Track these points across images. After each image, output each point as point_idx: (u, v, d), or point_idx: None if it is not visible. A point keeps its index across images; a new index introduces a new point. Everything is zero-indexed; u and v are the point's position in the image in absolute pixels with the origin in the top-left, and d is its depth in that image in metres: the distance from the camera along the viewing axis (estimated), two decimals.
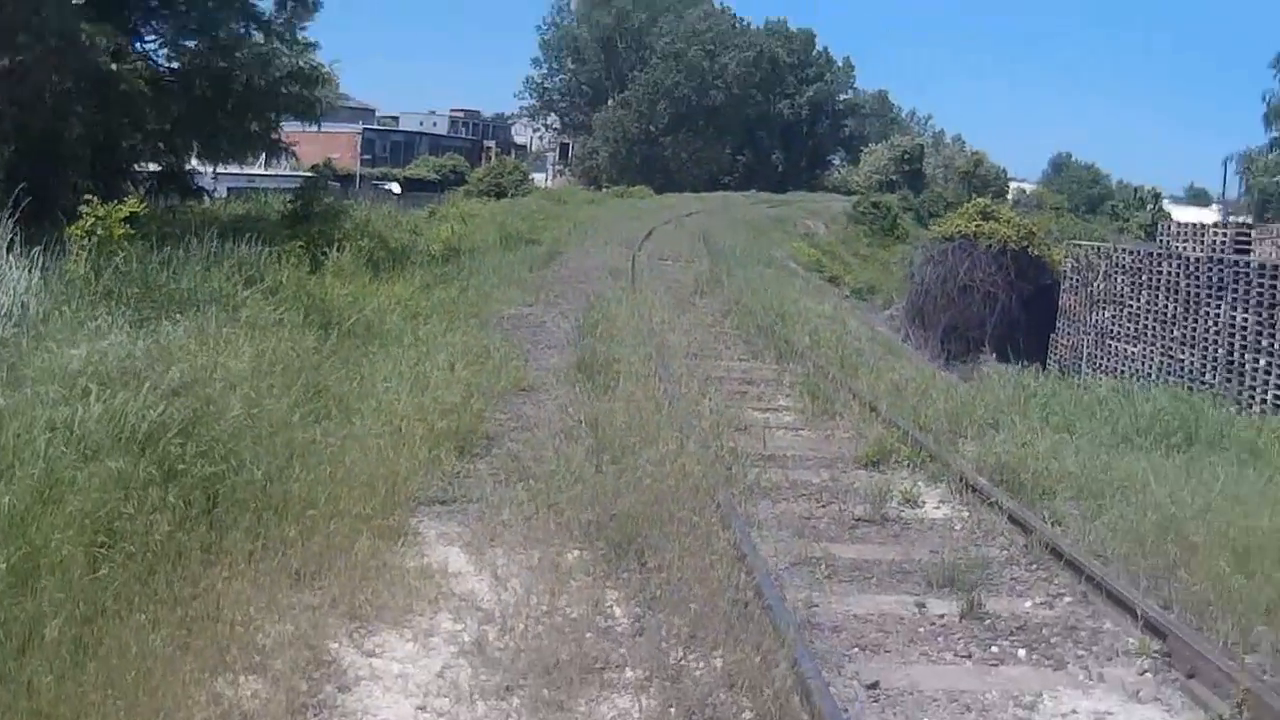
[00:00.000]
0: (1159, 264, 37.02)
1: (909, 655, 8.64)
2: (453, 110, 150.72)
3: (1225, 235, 38.42)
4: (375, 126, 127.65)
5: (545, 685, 7.49)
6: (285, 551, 8.82)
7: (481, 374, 15.87)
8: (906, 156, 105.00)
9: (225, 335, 13.75)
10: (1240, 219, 59.24)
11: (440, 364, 15.47)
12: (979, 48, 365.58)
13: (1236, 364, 32.14)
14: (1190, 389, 25.89)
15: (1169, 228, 43.36)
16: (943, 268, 48.11)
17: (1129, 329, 38.12)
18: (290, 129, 28.62)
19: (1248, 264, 33.01)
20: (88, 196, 17.49)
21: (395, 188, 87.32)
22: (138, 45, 24.69)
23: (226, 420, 10.51)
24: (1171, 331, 35.58)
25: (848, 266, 60.70)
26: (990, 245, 48.07)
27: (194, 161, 27.91)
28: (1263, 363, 31.03)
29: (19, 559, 7.35)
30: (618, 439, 12.63)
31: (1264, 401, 29.87)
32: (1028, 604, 9.76)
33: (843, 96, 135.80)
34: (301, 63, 25.57)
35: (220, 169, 30.35)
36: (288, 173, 34.30)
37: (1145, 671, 8.51)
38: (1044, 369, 26.83)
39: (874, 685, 8.02)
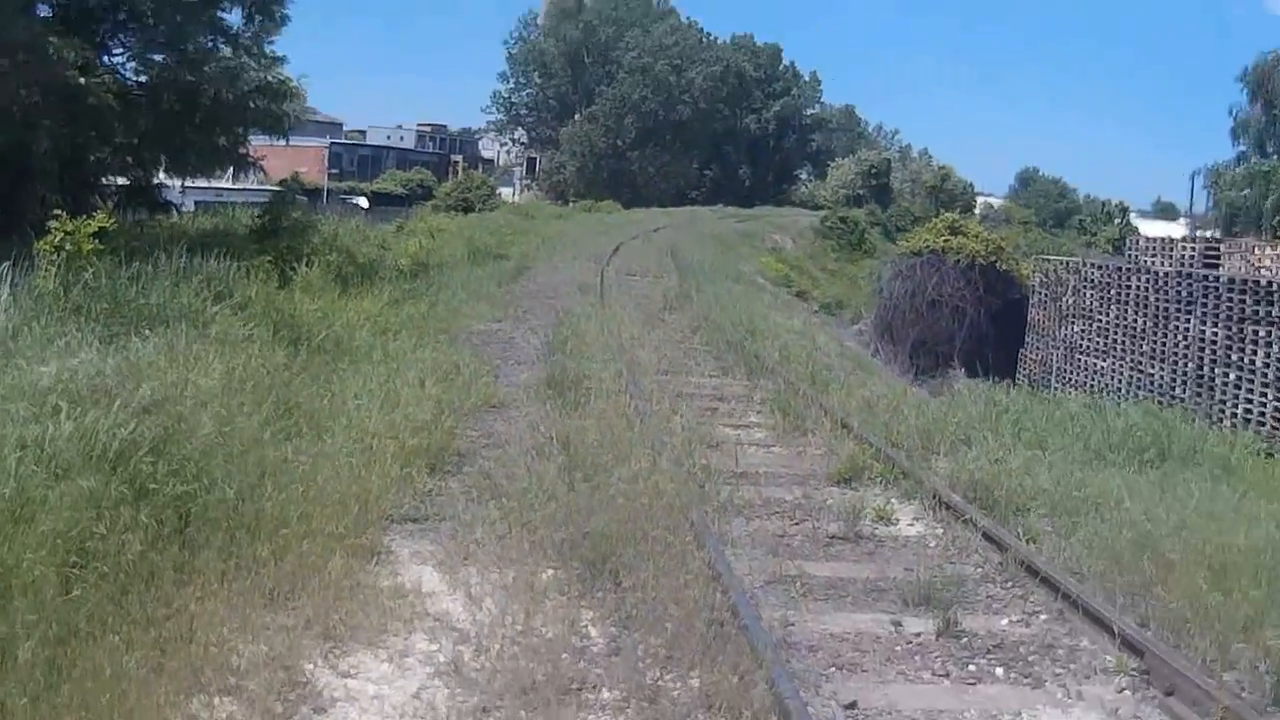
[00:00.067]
0: (1128, 278, 37.12)
1: (886, 674, 8.61)
2: (420, 124, 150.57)
3: (1194, 249, 38.57)
4: (342, 140, 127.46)
5: (522, 706, 7.44)
6: (258, 571, 8.76)
7: (451, 390, 15.82)
8: (873, 171, 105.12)
9: (195, 352, 13.67)
10: (1208, 233, 59.46)
11: (410, 380, 15.39)
12: (946, 62, 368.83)
13: (1206, 378, 32.21)
14: (1160, 403, 26.02)
15: (1137, 242, 43.48)
16: (911, 283, 48.23)
17: (1098, 343, 38.23)
18: (258, 143, 28.52)
19: (1217, 278, 33.08)
20: (56, 211, 17.37)
21: (363, 202, 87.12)
22: (105, 59, 24.53)
23: (198, 438, 10.43)
24: (1141, 346, 35.67)
25: (816, 281, 60.79)
26: (959, 260, 48.24)
27: (162, 175, 27.81)
28: (1232, 377, 31.10)
29: None
30: (590, 456, 12.58)
31: (1234, 416, 29.91)
32: (1004, 622, 9.75)
33: (809, 111, 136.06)
34: (269, 77, 25.45)
35: (188, 183, 30.28)
36: (256, 186, 34.18)
37: (1124, 689, 8.51)
38: (1013, 384, 26.86)
39: (852, 705, 7.99)
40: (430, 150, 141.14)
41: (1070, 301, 40.06)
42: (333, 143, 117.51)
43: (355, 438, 12.26)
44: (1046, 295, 42.02)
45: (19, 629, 6.98)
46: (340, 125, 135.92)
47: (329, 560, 9.12)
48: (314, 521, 9.67)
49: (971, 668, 8.79)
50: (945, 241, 49.54)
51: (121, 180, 27.06)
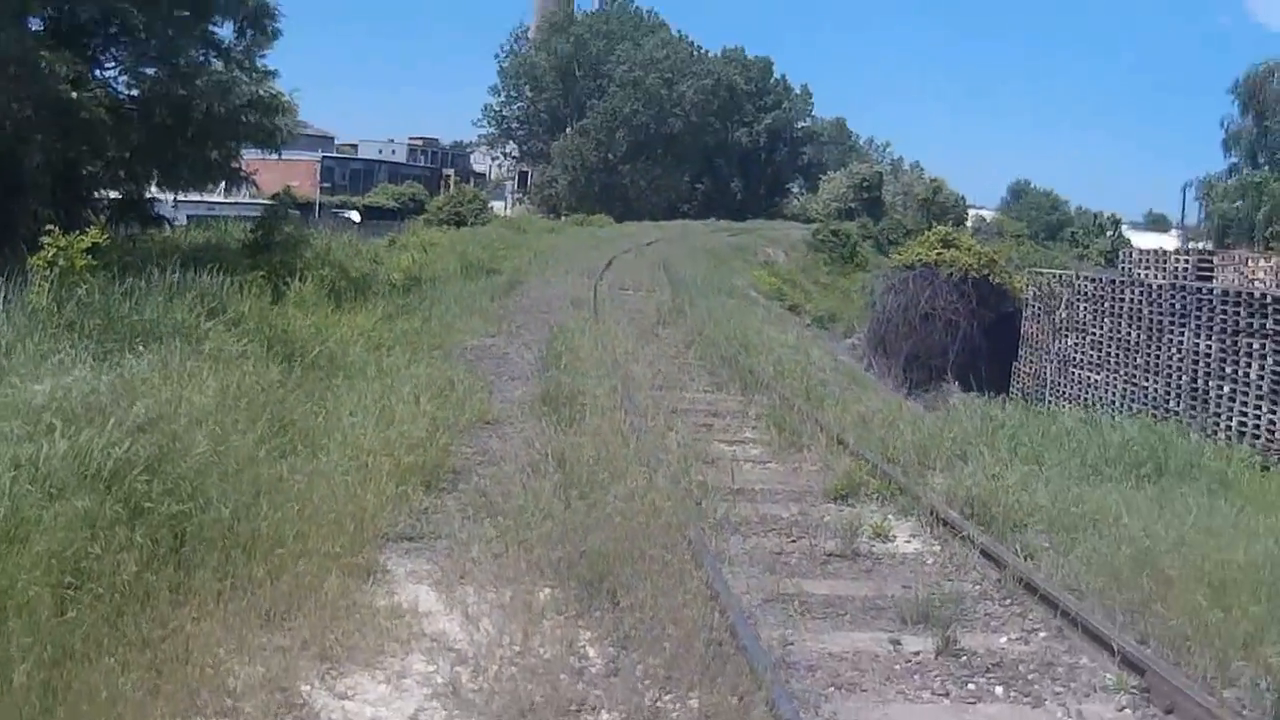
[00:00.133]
0: (1122, 291, 37.08)
1: (886, 694, 8.58)
2: (411, 138, 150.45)
3: (1187, 261, 38.57)
4: (334, 154, 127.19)
5: None
6: (254, 591, 8.74)
7: (446, 407, 15.80)
8: (865, 184, 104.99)
9: (189, 369, 13.63)
10: (1200, 245, 59.53)
11: (405, 397, 15.36)
12: (937, 75, 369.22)
13: (1201, 391, 32.17)
14: (1155, 417, 25.95)
15: (1130, 254, 43.50)
16: (904, 296, 48.12)
17: (1092, 356, 38.18)
18: (250, 156, 28.46)
19: (1211, 290, 33.05)
20: (49, 226, 17.31)
21: (355, 216, 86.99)
22: (97, 73, 24.50)
23: (192, 457, 10.40)
24: (1135, 359, 35.63)
25: (808, 295, 60.66)
26: (951, 273, 48.14)
27: (154, 189, 27.71)
28: (1227, 390, 31.06)
29: None
30: (585, 473, 12.57)
31: (1229, 429, 29.89)
32: (1003, 640, 9.72)
33: (801, 124, 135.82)
34: (261, 91, 25.38)
35: (180, 197, 30.13)
36: (248, 200, 34.08)
37: (1124, 708, 8.49)
38: (1007, 397, 26.81)
39: None
40: (422, 164, 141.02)
41: (1064, 315, 40.03)
42: (324, 156, 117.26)
43: (350, 455, 12.23)
44: (1040, 308, 41.97)
45: (14, 651, 6.94)
46: (332, 139, 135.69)
47: (325, 580, 9.09)
48: (310, 541, 9.65)
49: (971, 686, 8.76)
50: (938, 255, 49.48)
51: (114, 194, 26.97)
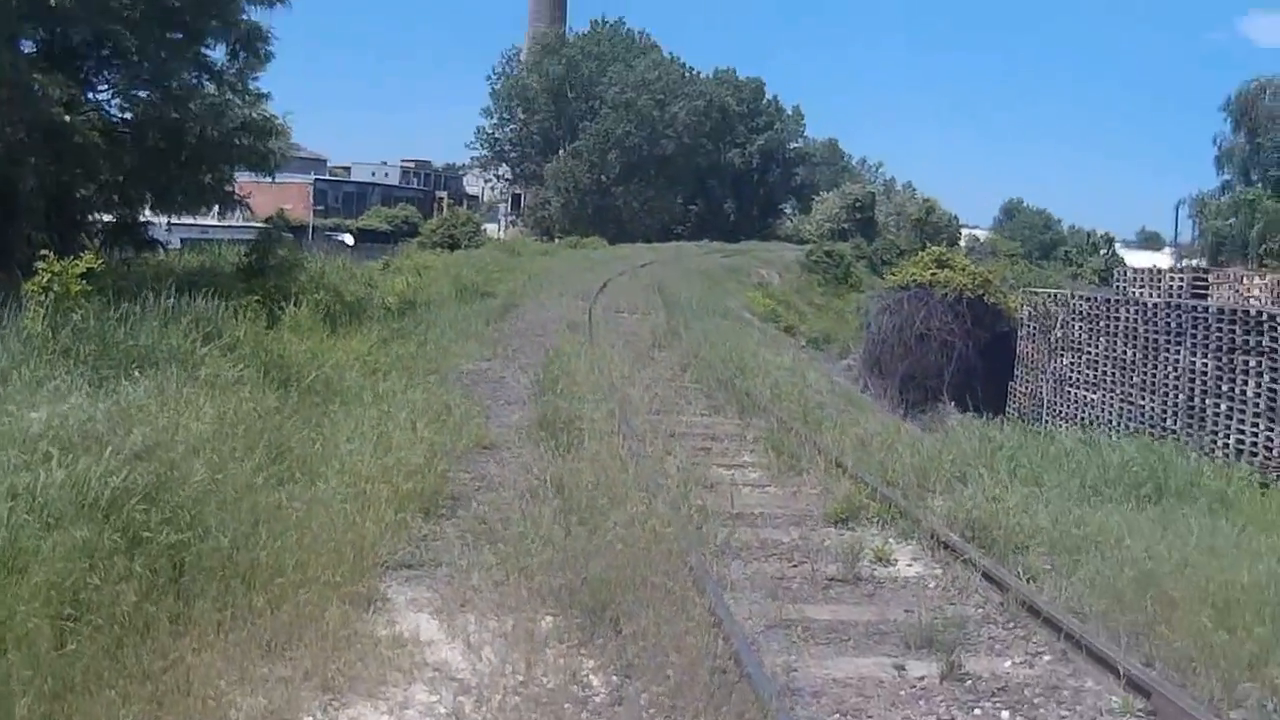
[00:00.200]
0: (1117, 310, 37.12)
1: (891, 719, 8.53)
2: (404, 161, 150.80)
3: (1182, 280, 38.61)
4: (327, 177, 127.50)
5: None
6: (255, 621, 8.69)
7: (443, 432, 15.73)
8: (858, 204, 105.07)
9: (186, 395, 13.61)
10: (1194, 262, 59.62)
11: (402, 423, 15.32)
12: (928, 94, 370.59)
13: (1197, 410, 32.20)
14: (1151, 435, 25.92)
15: (1125, 273, 43.62)
16: (899, 316, 48.12)
17: (1088, 376, 38.20)
18: (243, 178, 28.49)
19: (1206, 308, 33.09)
20: (43, 251, 17.27)
21: (348, 239, 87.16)
22: (90, 95, 24.55)
23: (190, 485, 10.35)
24: (1131, 378, 35.65)
25: (803, 316, 60.74)
26: (946, 293, 48.14)
27: (148, 213, 27.71)
28: (1224, 408, 31.09)
29: None
30: (585, 499, 12.52)
31: (1226, 447, 29.88)
32: (1008, 664, 9.68)
33: (793, 145, 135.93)
34: (254, 114, 25.44)
35: (174, 220, 30.13)
36: (241, 223, 34.09)
37: None
38: (1003, 417, 26.78)
39: None
40: (415, 186, 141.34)
41: (1059, 334, 40.03)
42: (317, 179, 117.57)
43: (349, 482, 12.18)
44: (1035, 328, 42.00)
45: (14, 685, 6.89)
46: (324, 161, 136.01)
47: (326, 609, 9.04)
48: (310, 569, 9.60)
49: (977, 711, 8.72)
50: (932, 275, 49.51)
51: (107, 217, 26.96)
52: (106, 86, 25.41)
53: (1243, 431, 30.14)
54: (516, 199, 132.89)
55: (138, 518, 9.31)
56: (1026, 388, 42.16)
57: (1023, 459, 16.63)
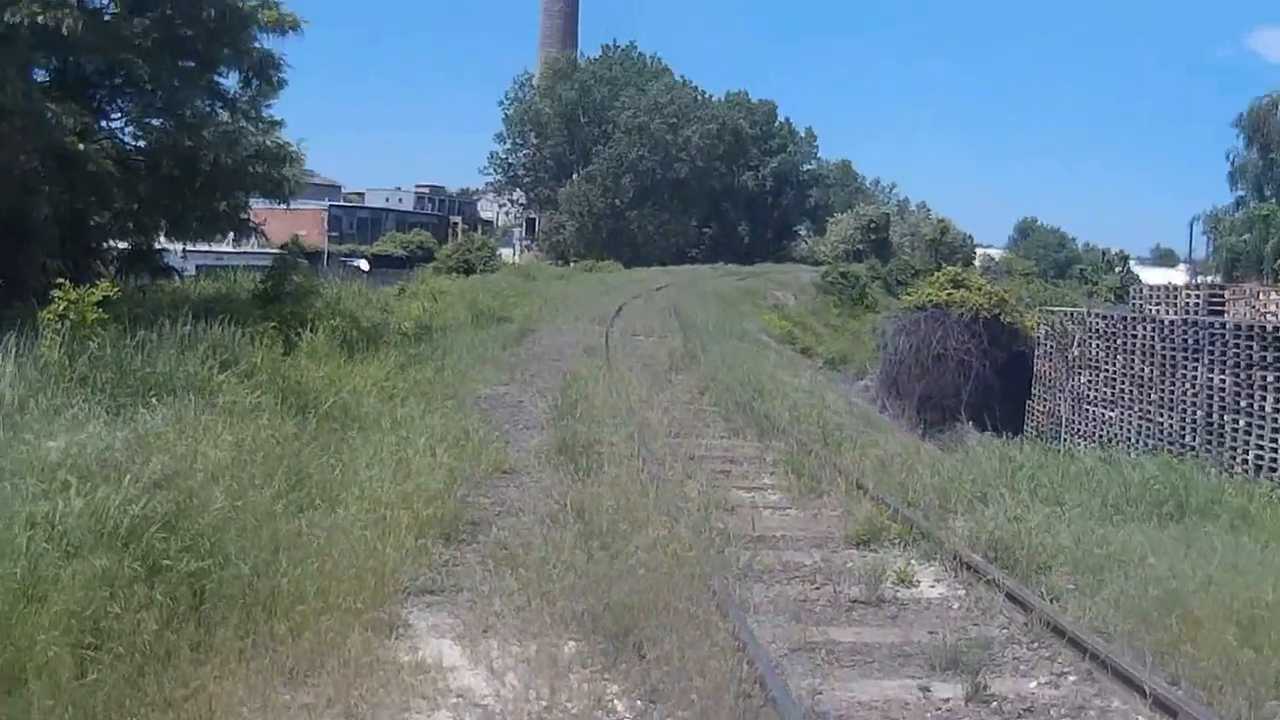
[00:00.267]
0: (1134, 327, 36.98)
1: None
2: (418, 186, 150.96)
3: (1198, 296, 38.49)
4: (341, 203, 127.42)
5: None
6: (276, 649, 8.65)
7: (462, 458, 15.72)
8: (872, 225, 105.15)
9: (204, 422, 13.58)
10: (1209, 279, 59.48)
11: (421, 448, 15.27)
12: (941, 114, 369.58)
13: (1216, 426, 32.04)
14: (1170, 452, 25.83)
15: (1141, 290, 43.48)
16: (915, 337, 48.00)
17: (1106, 394, 38.04)
18: (257, 205, 28.53)
19: (1223, 325, 32.97)
20: (59, 279, 17.27)
21: (364, 265, 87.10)
22: (103, 124, 24.61)
23: (210, 513, 10.32)
24: (1149, 395, 35.49)
25: (819, 337, 60.62)
26: (962, 313, 48.02)
27: (163, 240, 27.75)
28: (1242, 424, 30.93)
29: (4, 663, 7.18)
30: (606, 523, 12.47)
31: (1245, 463, 29.73)
32: (1033, 684, 9.64)
33: (806, 167, 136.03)
34: (268, 141, 25.47)
35: (189, 246, 30.18)
36: (257, 250, 34.08)
37: None
38: (1022, 436, 26.70)
39: None
40: (429, 211, 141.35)
41: (1076, 352, 39.91)
42: (331, 205, 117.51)
43: (369, 509, 12.17)
44: (1052, 346, 41.89)
45: (35, 714, 6.86)
46: (339, 187, 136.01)
47: (348, 636, 9.00)
48: (331, 596, 9.58)
49: None
50: (949, 295, 49.40)
51: (122, 245, 27.01)
52: (120, 115, 25.47)
53: (1262, 447, 29.96)
54: (531, 223, 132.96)
55: (157, 546, 9.29)
56: (1044, 406, 42.02)
57: (1043, 478, 16.60)
